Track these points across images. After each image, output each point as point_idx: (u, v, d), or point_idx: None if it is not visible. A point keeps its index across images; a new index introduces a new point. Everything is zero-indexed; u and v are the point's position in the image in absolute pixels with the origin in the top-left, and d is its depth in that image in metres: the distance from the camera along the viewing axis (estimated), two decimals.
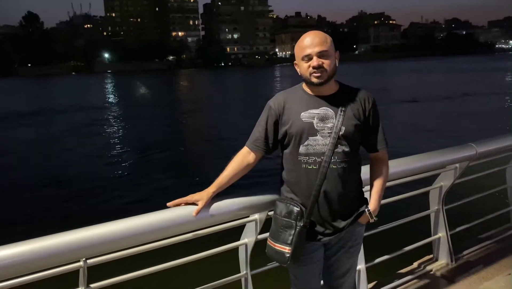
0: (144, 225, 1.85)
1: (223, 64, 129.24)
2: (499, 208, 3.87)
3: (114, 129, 22.56)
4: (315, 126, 1.95)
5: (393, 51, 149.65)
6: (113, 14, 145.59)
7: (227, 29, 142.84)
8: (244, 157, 2.08)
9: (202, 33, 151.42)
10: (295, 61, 2.03)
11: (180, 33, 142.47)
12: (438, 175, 3.32)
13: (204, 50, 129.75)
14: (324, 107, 1.97)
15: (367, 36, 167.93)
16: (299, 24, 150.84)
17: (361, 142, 2.06)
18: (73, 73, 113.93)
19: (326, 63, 1.92)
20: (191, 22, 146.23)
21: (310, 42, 1.92)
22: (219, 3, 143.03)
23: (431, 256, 3.52)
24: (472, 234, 3.77)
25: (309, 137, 1.95)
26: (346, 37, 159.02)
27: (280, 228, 1.99)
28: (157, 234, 1.91)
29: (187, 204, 1.97)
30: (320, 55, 1.91)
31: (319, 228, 2.02)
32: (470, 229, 3.59)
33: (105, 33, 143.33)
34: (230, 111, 27.87)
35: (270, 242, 2.04)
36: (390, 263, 3.15)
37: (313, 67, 1.91)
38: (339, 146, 1.94)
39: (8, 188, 12.16)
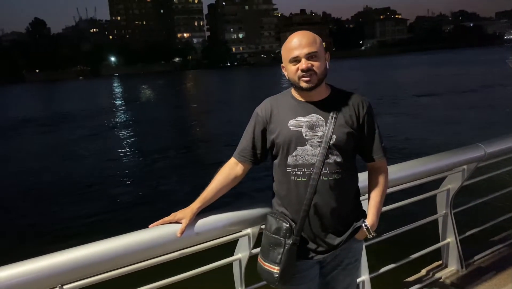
0: (123, 247, 1.71)
1: (228, 64, 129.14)
2: (510, 210, 3.68)
3: (126, 133, 22.75)
4: (303, 135, 1.80)
5: (400, 46, 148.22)
6: (118, 18, 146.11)
7: (232, 29, 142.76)
8: (231, 169, 1.94)
9: (207, 33, 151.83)
10: (282, 64, 1.89)
11: (185, 35, 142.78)
12: (445, 177, 3.16)
13: (210, 50, 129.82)
14: (313, 114, 1.82)
15: (373, 31, 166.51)
16: (304, 22, 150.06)
17: (356, 151, 1.91)
18: (80, 77, 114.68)
19: (315, 65, 1.77)
20: (196, 23, 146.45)
21: (298, 43, 1.77)
22: (224, 3, 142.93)
23: (440, 262, 3.36)
24: (482, 238, 3.60)
25: (298, 147, 1.80)
26: (351, 33, 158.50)
27: (269, 245, 1.85)
28: (138, 256, 1.77)
29: (170, 223, 1.83)
30: (309, 57, 1.76)
31: (311, 245, 1.87)
32: (480, 232, 3.42)
33: (110, 37, 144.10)
34: (238, 111, 27.77)
35: (259, 260, 1.90)
36: (397, 272, 3.00)
37: (302, 70, 1.76)
38: (330, 156, 1.79)
39: (21, 195, 12.20)
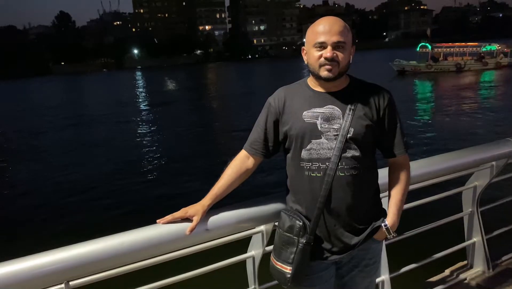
0: (131, 243, 1.64)
1: (250, 56, 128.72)
2: None
3: (152, 127, 22.91)
4: (319, 127, 1.68)
5: (425, 37, 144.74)
6: (141, 10, 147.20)
7: (253, 21, 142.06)
8: (242, 162, 1.85)
9: (229, 26, 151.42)
10: (303, 47, 1.75)
11: (207, 27, 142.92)
12: (471, 174, 3.00)
13: (231, 43, 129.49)
14: (329, 106, 1.70)
15: (397, 23, 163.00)
16: (327, 13, 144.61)
17: (376, 146, 1.79)
18: (104, 70, 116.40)
19: (340, 56, 1.65)
20: (217, 16, 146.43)
21: (328, 29, 1.64)
22: None
23: (465, 262, 3.21)
24: (511, 238, 3.42)
25: (312, 140, 1.69)
26: (375, 24, 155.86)
27: (282, 244, 1.75)
28: (148, 252, 1.71)
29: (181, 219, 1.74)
30: (336, 46, 1.64)
31: (326, 245, 1.76)
32: (508, 232, 3.25)
33: (134, 29, 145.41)
34: (260, 105, 27.68)
35: (272, 259, 1.81)
36: (419, 272, 2.88)
37: (326, 58, 1.64)
38: (347, 150, 1.67)
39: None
